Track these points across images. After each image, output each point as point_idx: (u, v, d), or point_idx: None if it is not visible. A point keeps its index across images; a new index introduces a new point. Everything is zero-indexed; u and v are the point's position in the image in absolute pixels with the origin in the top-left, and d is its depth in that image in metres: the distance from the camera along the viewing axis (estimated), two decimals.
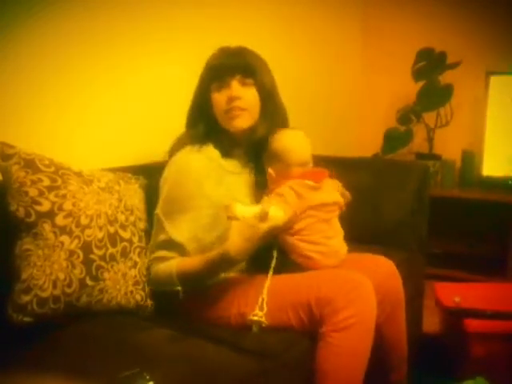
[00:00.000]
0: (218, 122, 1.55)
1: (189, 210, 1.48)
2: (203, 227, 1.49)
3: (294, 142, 1.56)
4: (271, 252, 1.50)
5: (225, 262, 1.38)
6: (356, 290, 1.36)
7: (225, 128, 1.55)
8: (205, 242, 1.49)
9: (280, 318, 1.40)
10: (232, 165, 1.57)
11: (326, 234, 1.54)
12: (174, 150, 1.56)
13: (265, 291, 1.42)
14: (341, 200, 1.60)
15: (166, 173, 1.53)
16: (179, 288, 1.43)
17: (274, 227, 1.36)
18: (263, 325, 1.38)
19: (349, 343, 1.34)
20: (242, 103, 1.51)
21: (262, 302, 1.40)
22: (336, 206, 1.58)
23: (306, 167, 1.55)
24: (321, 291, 1.37)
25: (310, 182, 1.52)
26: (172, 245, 1.47)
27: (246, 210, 1.36)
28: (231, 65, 1.53)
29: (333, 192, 1.59)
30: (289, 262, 1.51)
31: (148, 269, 1.49)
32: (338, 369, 1.34)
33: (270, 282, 1.43)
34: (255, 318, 1.39)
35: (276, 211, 1.38)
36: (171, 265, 1.45)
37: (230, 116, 1.52)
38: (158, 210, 1.50)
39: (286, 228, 1.47)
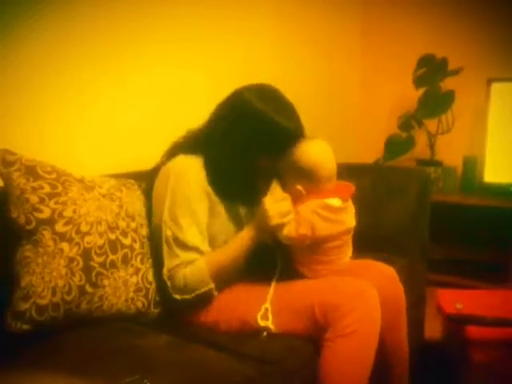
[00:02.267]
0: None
1: (195, 211, 1.46)
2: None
3: (323, 158, 1.48)
4: (274, 260, 1.52)
5: (249, 238, 1.44)
6: (361, 296, 1.37)
7: None
8: (218, 242, 1.49)
9: (284, 324, 1.40)
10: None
11: (339, 256, 1.55)
12: (169, 155, 1.55)
13: (268, 300, 1.42)
14: (354, 223, 1.57)
15: (164, 180, 1.49)
16: (212, 286, 1.43)
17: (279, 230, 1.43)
18: (271, 331, 1.39)
19: (353, 349, 1.34)
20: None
21: (265, 312, 1.40)
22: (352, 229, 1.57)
23: (333, 181, 1.51)
24: (325, 297, 1.37)
25: (337, 202, 1.48)
26: (188, 248, 1.44)
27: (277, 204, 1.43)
28: (299, 135, 1.48)
29: (353, 213, 1.57)
30: (291, 271, 1.51)
31: (171, 279, 1.43)
32: (342, 374, 1.34)
33: (273, 292, 1.44)
34: (263, 325, 1.39)
35: (290, 230, 1.43)
36: (198, 264, 1.43)
37: (269, 178, 1.50)
38: (165, 218, 1.46)
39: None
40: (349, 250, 1.59)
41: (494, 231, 2.82)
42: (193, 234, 1.45)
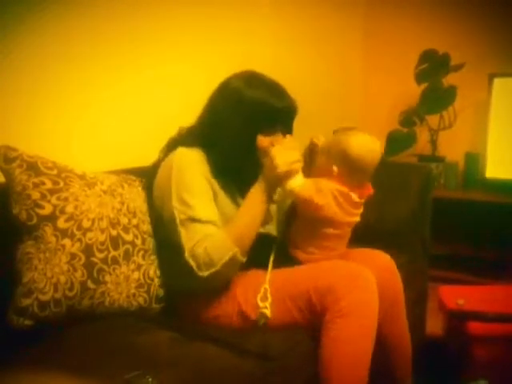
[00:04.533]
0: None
1: (201, 191, 1.46)
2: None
3: (372, 156, 1.51)
4: (270, 247, 1.53)
5: (264, 189, 1.43)
6: (356, 278, 1.37)
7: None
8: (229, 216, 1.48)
9: (281, 312, 1.41)
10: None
11: (337, 247, 1.55)
12: (167, 151, 1.55)
13: (267, 281, 1.43)
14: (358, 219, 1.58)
15: (167, 172, 1.48)
16: (237, 249, 1.38)
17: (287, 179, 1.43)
18: (268, 317, 1.39)
19: (351, 329, 1.34)
20: None
21: (265, 292, 1.41)
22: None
23: (366, 179, 1.53)
24: (320, 281, 1.38)
25: (355, 197, 1.50)
26: (204, 222, 1.42)
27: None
28: (292, 112, 1.53)
29: (360, 211, 1.57)
30: (287, 258, 1.52)
31: (193, 257, 1.38)
32: (343, 356, 1.34)
33: (270, 273, 1.45)
34: (260, 311, 1.39)
35: (301, 181, 1.44)
36: (218, 234, 1.41)
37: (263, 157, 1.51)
38: (175, 204, 1.44)
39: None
40: (345, 245, 1.59)
41: (496, 227, 2.82)
42: (205, 210, 1.43)
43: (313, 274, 1.43)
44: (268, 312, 1.40)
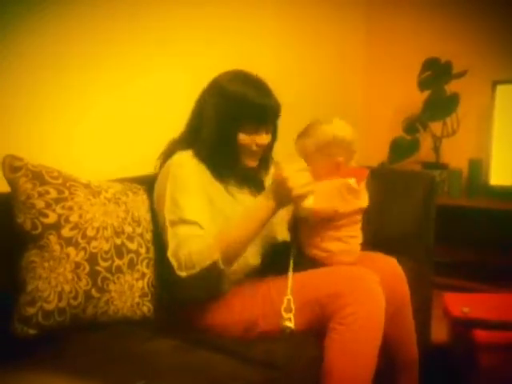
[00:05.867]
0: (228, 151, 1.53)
1: (194, 192, 1.46)
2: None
3: (344, 132, 1.52)
4: (286, 252, 1.53)
5: (259, 209, 1.42)
6: (363, 285, 1.37)
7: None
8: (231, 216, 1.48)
9: (297, 319, 1.40)
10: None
11: (351, 234, 1.55)
12: (165, 157, 1.57)
13: (289, 291, 1.42)
14: (367, 203, 1.59)
15: (164, 176, 1.50)
16: (217, 258, 1.36)
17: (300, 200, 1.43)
18: (292, 328, 1.38)
19: (355, 338, 1.33)
20: (263, 147, 1.55)
21: (288, 303, 1.40)
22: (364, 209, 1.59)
23: (351, 159, 1.54)
24: (328, 287, 1.38)
25: (353, 183, 1.49)
26: (189, 222, 1.41)
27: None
28: (273, 111, 1.54)
29: (365, 195, 1.58)
30: (303, 260, 1.52)
31: (175, 256, 1.38)
32: (344, 363, 1.34)
33: (283, 281, 1.44)
34: (287, 323, 1.39)
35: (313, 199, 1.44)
36: (205, 239, 1.39)
37: (250, 156, 1.54)
38: (168, 205, 1.45)
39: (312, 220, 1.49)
40: (359, 231, 1.59)
41: (500, 234, 2.81)
42: (193, 210, 1.43)
43: (321, 281, 1.43)
44: (292, 324, 1.39)
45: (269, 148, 1.59)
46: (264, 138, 1.53)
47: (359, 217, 1.57)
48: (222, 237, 1.40)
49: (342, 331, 1.33)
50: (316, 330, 1.39)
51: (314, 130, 1.52)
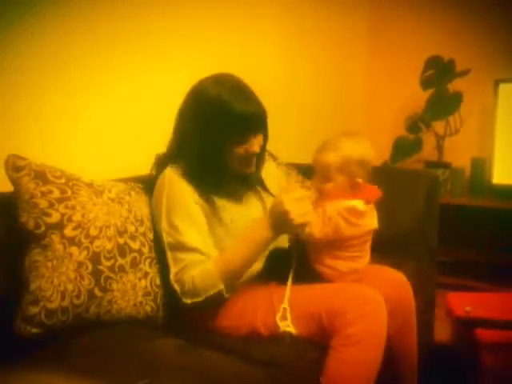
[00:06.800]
0: (220, 162, 1.51)
1: (192, 214, 1.46)
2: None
3: (370, 155, 1.52)
4: (288, 262, 1.52)
5: (259, 234, 1.41)
6: (367, 304, 1.36)
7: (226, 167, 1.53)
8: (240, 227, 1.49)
9: (295, 329, 1.40)
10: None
11: (358, 254, 1.55)
12: (158, 168, 1.56)
13: (286, 300, 1.42)
14: (376, 225, 1.58)
15: (159, 192, 1.50)
16: (221, 287, 1.39)
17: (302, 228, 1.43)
18: (293, 334, 1.39)
19: (358, 358, 1.33)
20: (256, 153, 1.52)
21: (284, 312, 1.41)
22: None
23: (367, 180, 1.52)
24: (332, 304, 1.37)
25: (362, 206, 1.49)
26: (190, 250, 1.43)
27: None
28: (260, 119, 1.49)
29: (374, 215, 1.57)
30: (306, 272, 1.51)
31: (179, 282, 1.42)
32: (344, 381, 1.34)
33: (289, 292, 1.44)
34: (282, 325, 1.39)
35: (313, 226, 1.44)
36: (206, 265, 1.41)
37: (245, 164, 1.52)
38: (164, 226, 1.46)
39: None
40: (367, 251, 1.58)
41: (504, 233, 2.81)
42: (192, 236, 1.44)
43: (326, 295, 1.42)
44: (292, 329, 1.40)
45: (261, 149, 1.56)
46: (255, 145, 1.49)
47: (369, 236, 1.56)
48: (222, 263, 1.42)
49: (344, 351, 1.33)
50: (317, 343, 1.39)
51: (340, 147, 1.49)
